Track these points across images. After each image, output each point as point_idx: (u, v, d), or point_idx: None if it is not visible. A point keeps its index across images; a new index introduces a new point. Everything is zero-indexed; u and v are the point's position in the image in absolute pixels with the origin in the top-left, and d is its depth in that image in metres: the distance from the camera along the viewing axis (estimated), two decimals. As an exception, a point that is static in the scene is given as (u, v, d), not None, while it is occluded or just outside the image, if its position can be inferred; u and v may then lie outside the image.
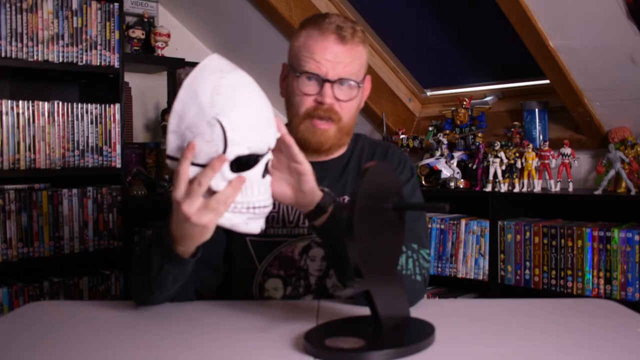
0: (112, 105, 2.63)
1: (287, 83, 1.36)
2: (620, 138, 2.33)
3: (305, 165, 1.09)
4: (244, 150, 0.98)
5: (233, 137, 0.96)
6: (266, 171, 1.03)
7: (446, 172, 2.65)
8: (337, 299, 1.29)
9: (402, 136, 2.92)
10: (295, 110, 1.32)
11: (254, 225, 1.03)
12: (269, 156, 1.03)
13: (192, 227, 1.00)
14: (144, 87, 3.10)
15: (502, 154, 2.47)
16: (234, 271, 1.36)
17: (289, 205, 1.17)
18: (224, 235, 1.32)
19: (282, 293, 1.34)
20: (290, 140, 1.08)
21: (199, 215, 0.97)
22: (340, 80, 1.28)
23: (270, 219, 1.34)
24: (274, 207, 1.34)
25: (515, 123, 2.59)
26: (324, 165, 1.38)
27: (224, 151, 0.96)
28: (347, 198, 1.36)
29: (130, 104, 2.99)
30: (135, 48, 2.86)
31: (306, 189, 1.10)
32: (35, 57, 2.41)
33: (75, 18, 2.51)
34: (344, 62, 1.28)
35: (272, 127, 1.03)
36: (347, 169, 1.40)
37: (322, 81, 1.28)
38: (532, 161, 2.43)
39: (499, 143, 2.51)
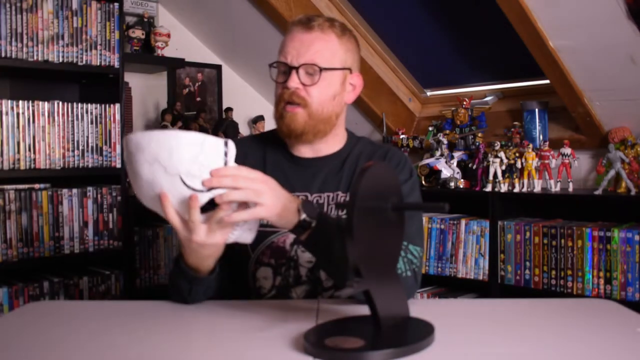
0: (112, 105, 2.63)
1: None
2: (620, 138, 2.33)
3: (256, 213, 1.09)
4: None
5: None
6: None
7: (446, 172, 2.65)
8: (337, 299, 1.29)
9: (402, 136, 2.92)
10: (274, 100, 1.40)
11: (245, 236, 1.13)
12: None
13: (207, 249, 1.14)
14: (144, 87, 3.09)
15: (502, 154, 2.47)
16: (231, 261, 1.39)
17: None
18: None
19: (271, 282, 1.36)
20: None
21: (210, 237, 1.10)
22: (304, 66, 1.34)
23: None
24: None
25: (515, 123, 2.59)
26: (320, 160, 1.42)
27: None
28: (339, 194, 1.39)
29: (130, 104, 2.99)
30: (135, 48, 2.86)
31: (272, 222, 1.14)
32: (35, 57, 2.41)
33: (75, 18, 2.51)
34: (307, 49, 1.34)
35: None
36: (343, 167, 1.42)
37: (289, 68, 1.35)
38: (532, 161, 2.43)
39: (499, 143, 2.51)
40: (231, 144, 1.05)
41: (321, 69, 1.34)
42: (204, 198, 1.05)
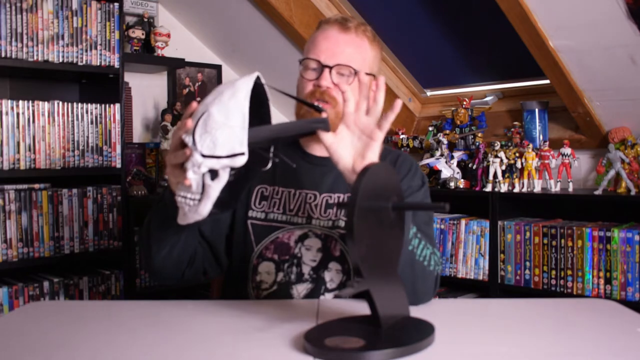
0: (112, 105, 2.63)
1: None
2: (620, 138, 2.34)
3: (379, 131, 1.09)
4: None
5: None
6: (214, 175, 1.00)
7: (446, 172, 2.65)
8: (337, 299, 1.29)
9: (402, 136, 2.92)
10: (298, 96, 1.37)
11: (191, 207, 1.03)
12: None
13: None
14: (144, 87, 3.09)
15: (502, 154, 2.47)
16: (234, 254, 1.40)
17: (343, 169, 1.13)
18: (228, 219, 1.39)
19: (273, 278, 1.36)
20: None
21: (171, 170, 1.05)
22: (339, 67, 1.33)
23: (272, 205, 1.39)
24: (276, 194, 1.39)
25: (515, 123, 2.59)
26: (330, 161, 1.40)
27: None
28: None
29: (130, 104, 2.99)
30: (135, 48, 2.86)
31: (368, 155, 1.09)
32: (35, 57, 2.41)
33: (75, 18, 2.51)
34: (343, 50, 1.34)
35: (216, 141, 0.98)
36: None
37: (321, 66, 1.33)
38: (532, 161, 2.43)
39: (499, 143, 2.51)
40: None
41: (356, 72, 1.34)
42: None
